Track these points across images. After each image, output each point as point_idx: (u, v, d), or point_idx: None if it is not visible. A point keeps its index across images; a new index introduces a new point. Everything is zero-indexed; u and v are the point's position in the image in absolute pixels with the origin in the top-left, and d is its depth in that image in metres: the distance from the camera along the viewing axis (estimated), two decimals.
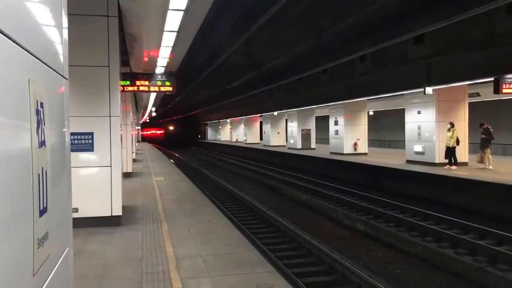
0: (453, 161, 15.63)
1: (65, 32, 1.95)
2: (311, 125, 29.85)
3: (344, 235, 10.92)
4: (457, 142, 15.56)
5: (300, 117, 29.22)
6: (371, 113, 28.55)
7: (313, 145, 29.61)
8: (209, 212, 9.41)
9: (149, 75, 11.77)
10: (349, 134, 23.17)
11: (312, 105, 24.68)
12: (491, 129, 15.20)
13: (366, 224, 11.14)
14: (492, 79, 12.46)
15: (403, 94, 18.03)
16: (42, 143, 1.44)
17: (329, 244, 9.62)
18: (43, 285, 1.43)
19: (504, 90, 12.11)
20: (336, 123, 24.03)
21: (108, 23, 7.72)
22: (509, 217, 10.89)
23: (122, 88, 10.57)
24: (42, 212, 1.43)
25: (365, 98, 21.11)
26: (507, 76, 11.96)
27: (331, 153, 23.96)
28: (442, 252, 8.56)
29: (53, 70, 1.69)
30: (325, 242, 9.81)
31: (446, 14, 9.98)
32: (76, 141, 7.56)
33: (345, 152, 22.86)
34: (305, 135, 29.45)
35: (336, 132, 23.98)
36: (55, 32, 1.77)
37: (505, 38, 10.48)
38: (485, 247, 8.57)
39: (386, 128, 32.78)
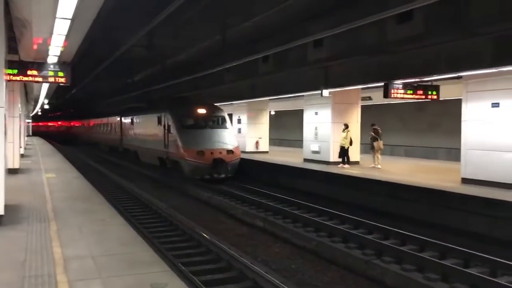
0: (346, 160, 16.58)
1: None
2: None
3: (243, 232, 11.05)
4: (351, 142, 16.55)
5: None
6: (272, 112, 29.29)
7: None
8: (104, 211, 8.96)
9: (40, 64, 10.91)
10: (251, 133, 23.60)
11: (217, 102, 24.70)
12: (379, 130, 16.41)
13: (264, 220, 11.38)
14: (383, 84, 13.36)
15: (302, 95, 18.72)
16: None
17: (228, 241, 9.65)
18: None
19: (393, 95, 13.05)
20: (239, 121, 24.32)
21: None
22: (393, 213, 11.78)
23: (8, 77, 9.69)
24: None
25: (267, 98, 21.60)
26: (395, 82, 12.90)
27: None
28: (334, 246, 9.00)
29: None
30: (224, 239, 9.83)
31: (342, 20, 10.51)
32: None
33: (247, 150, 23.24)
34: None
35: (239, 130, 24.27)
36: None
37: (394, 47, 11.31)
38: (372, 241, 9.18)
39: (287, 127, 33.83)
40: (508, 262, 7.52)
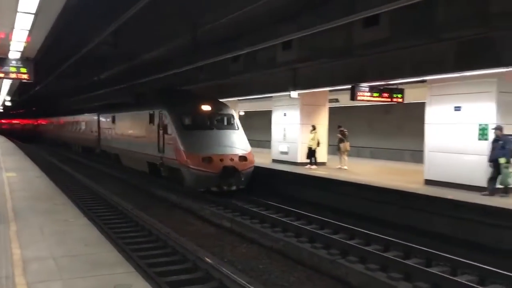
0: (313, 161, 16.76)
1: None
2: None
3: (211, 232, 11.00)
4: (318, 143, 16.76)
5: None
6: (242, 113, 29.29)
7: None
8: (67, 211, 8.74)
9: (1, 60, 10.60)
10: None
11: None
12: (346, 132, 16.68)
13: (232, 221, 11.36)
14: (350, 86, 13.57)
15: (271, 96, 18.82)
16: None
17: (195, 242, 9.58)
18: None
19: (359, 98, 13.27)
20: None
21: None
22: (359, 213, 11.97)
23: None
24: None
25: (237, 98, 21.60)
26: (361, 85, 13.13)
27: None
28: (300, 246, 9.07)
29: None
30: (191, 240, 9.77)
31: (310, 23, 10.63)
32: None
33: None
34: None
35: None
36: None
37: (361, 50, 11.52)
38: (338, 241, 9.30)
39: (256, 128, 33.90)
40: (467, 261, 7.75)
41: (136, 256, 8.01)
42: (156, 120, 16.74)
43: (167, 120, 15.75)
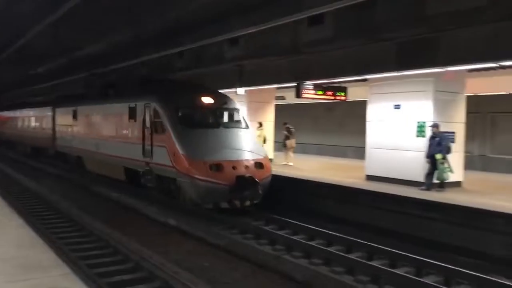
0: None
1: None
2: None
3: (156, 231, 10.78)
4: (264, 140, 16.88)
5: None
6: None
7: None
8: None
9: None
10: None
11: None
12: (291, 129, 16.91)
13: (178, 219, 11.19)
14: (295, 84, 13.73)
15: None
16: None
17: (139, 242, 9.35)
18: None
19: (304, 95, 13.46)
20: None
21: None
22: (302, 207, 12.15)
23: None
24: None
25: None
26: (306, 83, 13.32)
27: None
28: (246, 243, 9.08)
29: None
30: (135, 239, 9.52)
31: (258, 20, 10.65)
32: None
33: None
34: None
35: None
36: None
37: (307, 48, 11.66)
38: (283, 236, 9.40)
39: None
40: (407, 254, 8.05)
41: (75, 256, 7.70)
42: (140, 115, 13.41)
43: (158, 114, 12.52)
